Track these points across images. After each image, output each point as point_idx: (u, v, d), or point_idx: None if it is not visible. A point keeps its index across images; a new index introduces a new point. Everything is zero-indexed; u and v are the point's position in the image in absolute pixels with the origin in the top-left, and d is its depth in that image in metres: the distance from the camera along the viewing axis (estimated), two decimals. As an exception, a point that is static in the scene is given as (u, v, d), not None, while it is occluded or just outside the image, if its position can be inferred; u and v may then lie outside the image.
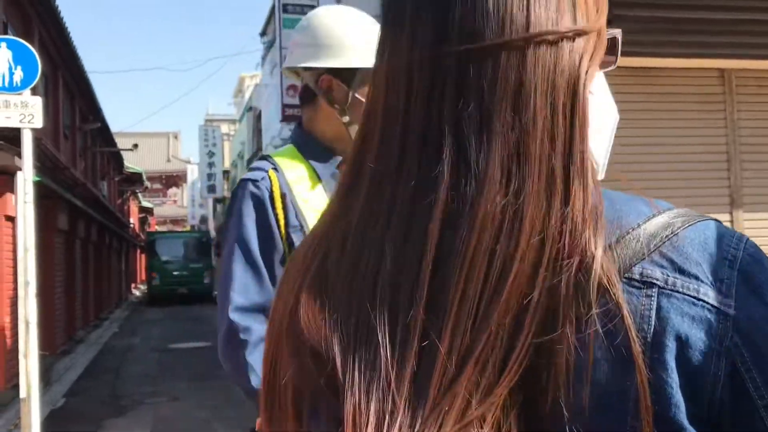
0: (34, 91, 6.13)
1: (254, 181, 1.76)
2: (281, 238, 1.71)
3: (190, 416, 8.22)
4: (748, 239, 0.59)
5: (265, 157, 1.85)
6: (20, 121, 5.85)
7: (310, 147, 1.86)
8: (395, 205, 0.60)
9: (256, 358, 1.63)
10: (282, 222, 1.72)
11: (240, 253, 1.71)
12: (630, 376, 0.53)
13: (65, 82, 16.26)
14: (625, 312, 0.54)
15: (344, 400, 0.57)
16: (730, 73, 6.47)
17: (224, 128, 38.94)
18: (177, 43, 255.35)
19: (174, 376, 10.95)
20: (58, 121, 15.16)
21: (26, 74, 6.00)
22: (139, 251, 42.95)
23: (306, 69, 1.85)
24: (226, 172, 36.62)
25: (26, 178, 5.86)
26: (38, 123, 5.91)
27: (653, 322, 0.55)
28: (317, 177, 1.80)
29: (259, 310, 1.68)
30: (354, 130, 1.80)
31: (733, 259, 0.57)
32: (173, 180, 60.63)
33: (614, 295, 0.54)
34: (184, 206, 57.76)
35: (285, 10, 13.86)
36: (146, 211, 48.20)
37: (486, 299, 0.55)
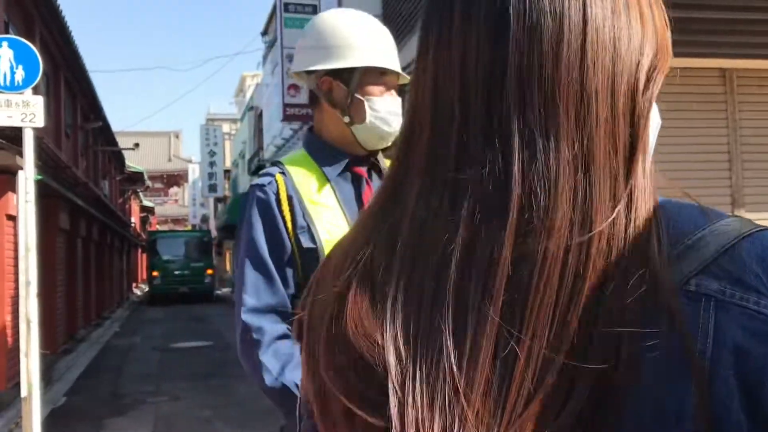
0: (35, 91, 6.13)
1: (261, 186, 1.80)
2: (289, 239, 1.75)
3: (192, 415, 8.22)
4: None
5: (276, 163, 1.89)
6: (22, 121, 5.85)
7: (319, 150, 1.88)
8: (457, 205, 0.57)
9: (268, 357, 1.67)
10: (289, 224, 1.75)
11: (250, 257, 1.75)
12: (688, 393, 0.52)
13: (67, 82, 16.27)
14: (686, 326, 0.53)
15: (403, 414, 0.53)
16: (732, 73, 6.47)
17: (225, 127, 38.95)
18: (178, 43, 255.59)
19: (175, 376, 10.95)
20: (60, 120, 15.17)
21: (28, 73, 6.00)
22: (140, 250, 43.02)
23: (308, 72, 1.87)
24: (227, 172, 36.64)
25: (27, 177, 5.86)
26: (39, 122, 5.91)
27: (711, 337, 0.53)
28: (325, 178, 1.83)
29: (271, 310, 1.72)
30: (357, 130, 1.81)
31: None
32: (174, 179, 60.66)
33: (675, 308, 0.53)
34: (185, 205, 57.85)
35: (286, 10, 13.85)
36: (147, 211, 48.26)
37: (562, 308, 0.53)
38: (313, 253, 1.72)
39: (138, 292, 39.56)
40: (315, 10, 13.70)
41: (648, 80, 0.60)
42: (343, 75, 1.82)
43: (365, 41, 1.82)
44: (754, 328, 0.53)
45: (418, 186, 0.61)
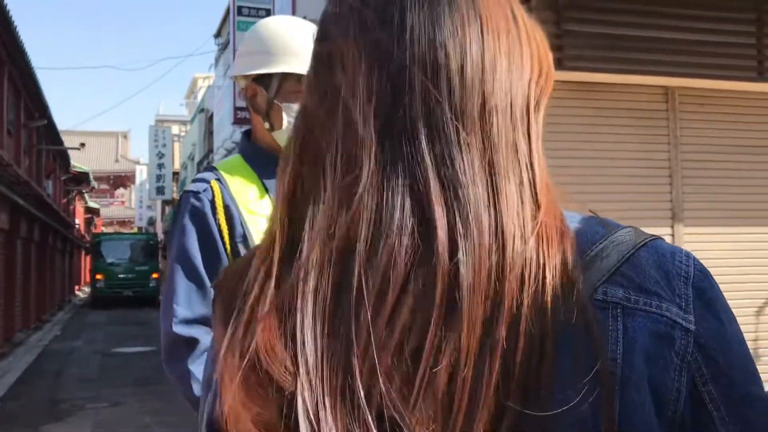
0: (-25, 87, 5.96)
1: (195, 193, 1.74)
2: (225, 249, 1.70)
3: (131, 421, 8.07)
4: (694, 255, 0.62)
5: (210, 168, 1.84)
6: (-40, 117, 5.68)
7: (255, 155, 1.85)
8: (365, 216, 0.58)
9: (198, 367, 1.62)
10: (225, 232, 1.70)
11: (182, 266, 1.69)
12: (599, 395, 0.54)
13: (11, 78, 15.84)
14: (596, 331, 0.55)
15: None
16: (674, 91, 6.65)
17: (175, 129, 38.35)
18: (130, 43, 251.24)
19: (117, 381, 10.73)
20: (2, 118, 14.76)
21: (-32, 69, 5.82)
22: (83, 252, 42.03)
23: (245, 78, 1.87)
24: (175, 174, 36.09)
25: (-35, 175, 5.68)
26: (-21, 119, 5.74)
27: (621, 342, 0.56)
28: (263, 186, 1.79)
29: (203, 321, 1.67)
30: (277, 136, 1.79)
31: (687, 276, 0.60)
32: (121, 180, 59.51)
33: (589, 316, 0.56)
34: (131, 207, 56.75)
35: (240, 13, 13.75)
36: (92, 212, 47.20)
37: (490, 318, 0.55)
38: None
39: (81, 294, 38.63)
40: (269, 13, 13.64)
41: (538, 100, 0.65)
42: (265, 81, 1.81)
43: (288, 48, 1.79)
44: (658, 330, 0.57)
45: (321, 197, 0.61)
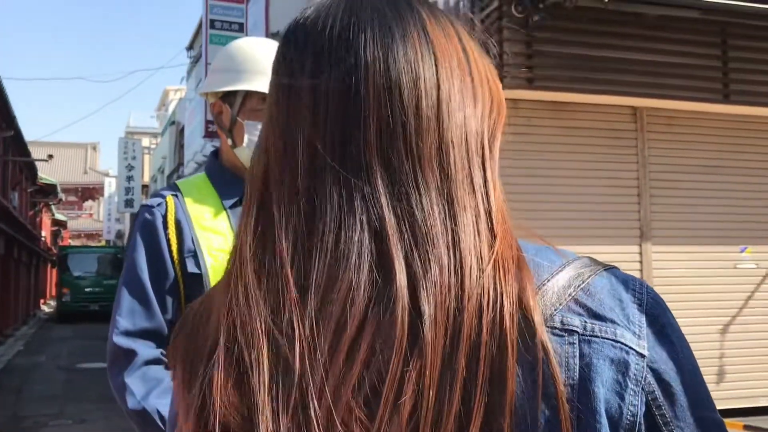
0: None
1: (149, 207, 1.76)
2: (173, 264, 1.70)
3: (96, 440, 7.91)
4: (647, 284, 0.64)
5: (172, 185, 1.85)
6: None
7: (218, 174, 1.86)
8: (322, 252, 0.59)
9: (134, 380, 1.63)
10: (174, 247, 1.70)
11: (128, 279, 1.71)
12: (559, 419, 0.56)
13: (-23, 88, 15.61)
14: (553, 359, 0.57)
15: None
16: (642, 111, 6.76)
17: (145, 141, 37.98)
18: (101, 54, 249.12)
19: (81, 398, 10.53)
20: (-33, 128, 14.52)
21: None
22: (50, 266, 41.38)
23: (212, 95, 1.90)
24: (145, 187, 35.71)
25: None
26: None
27: (577, 369, 0.58)
28: (221, 205, 1.80)
29: (145, 335, 1.67)
30: (238, 152, 1.82)
31: (640, 303, 0.62)
32: (90, 193, 58.76)
33: (543, 343, 0.57)
34: (99, 220, 56.06)
35: (212, 26, 13.71)
36: (59, 224, 46.51)
37: (451, 347, 0.56)
38: (198, 278, 1.69)
39: (46, 308, 37.97)
40: (241, 27, 13.61)
41: (493, 131, 0.66)
42: (231, 98, 1.84)
43: (253, 67, 1.82)
44: (613, 356, 0.59)
45: (278, 233, 0.61)
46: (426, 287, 0.56)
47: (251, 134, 1.80)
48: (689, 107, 6.73)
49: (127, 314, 1.68)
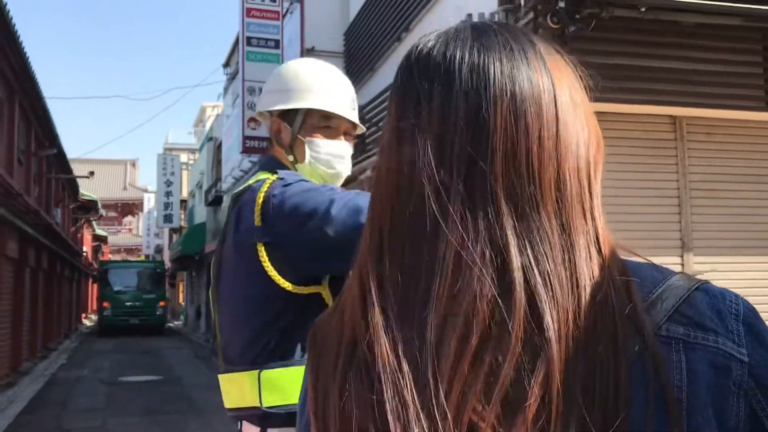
0: (-12, 117, 6.02)
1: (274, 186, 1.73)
2: None
3: (138, 452, 8.00)
4: (741, 296, 0.70)
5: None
6: (-28, 147, 5.73)
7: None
8: (446, 271, 0.64)
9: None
10: None
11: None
12: (670, 420, 0.61)
13: (22, 108, 16.00)
14: (662, 365, 0.63)
15: None
16: (681, 120, 6.67)
17: (183, 157, 38.52)
18: (139, 73, 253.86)
19: (123, 411, 10.67)
20: (13, 147, 14.88)
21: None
22: (91, 280, 42.08)
23: (271, 114, 1.95)
24: (183, 202, 36.20)
25: (-24, 205, 5.72)
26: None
27: (685, 373, 0.63)
28: None
29: None
30: (300, 169, 1.86)
31: (737, 314, 0.67)
32: (129, 208, 59.71)
33: (656, 350, 0.63)
34: (139, 235, 56.90)
35: (249, 43, 13.89)
36: (100, 240, 47.35)
37: (573, 358, 0.62)
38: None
39: (88, 323, 38.60)
40: (277, 44, 13.77)
41: (596, 160, 0.72)
42: (290, 116, 1.89)
43: (313, 85, 1.88)
44: (716, 362, 0.64)
45: (400, 257, 0.67)
46: (548, 303, 0.62)
47: (313, 151, 1.86)
48: (730, 115, 6.62)
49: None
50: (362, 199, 1.61)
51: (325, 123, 1.88)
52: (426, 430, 0.60)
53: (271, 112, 1.93)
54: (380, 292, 0.67)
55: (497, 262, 0.64)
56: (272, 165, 1.91)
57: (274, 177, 1.73)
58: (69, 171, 24.46)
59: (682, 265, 6.50)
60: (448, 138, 0.67)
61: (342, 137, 1.90)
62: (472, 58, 0.68)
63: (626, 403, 0.61)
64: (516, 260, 0.63)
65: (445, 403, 0.61)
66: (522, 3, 6.13)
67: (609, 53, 6.11)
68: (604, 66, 6.08)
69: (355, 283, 0.71)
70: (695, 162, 6.71)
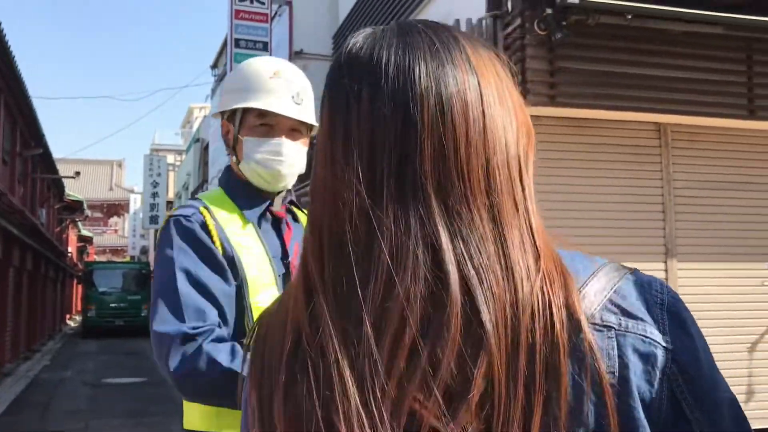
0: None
1: (185, 217, 1.74)
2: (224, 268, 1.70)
3: (121, 455, 7.95)
4: (667, 284, 0.74)
5: (195, 199, 1.86)
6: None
7: (237, 188, 1.89)
8: (381, 266, 0.66)
9: (212, 345, 1.58)
10: (220, 250, 1.72)
11: (183, 281, 1.65)
12: (603, 403, 0.65)
13: (7, 107, 15.89)
14: (597, 352, 0.66)
15: None
16: (666, 127, 6.72)
17: (170, 158, 38.36)
18: (127, 74, 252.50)
19: (107, 413, 10.60)
20: (-2, 146, 14.78)
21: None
22: (75, 281, 41.80)
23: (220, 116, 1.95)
24: (169, 203, 36.00)
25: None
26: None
27: (616, 359, 0.68)
28: (244, 216, 1.83)
29: (212, 329, 1.62)
30: (242, 169, 1.86)
31: (662, 302, 0.71)
32: (115, 209, 59.35)
33: (587, 337, 0.66)
34: (124, 236, 56.50)
35: (237, 45, 13.85)
36: (85, 240, 47.02)
37: (512, 348, 0.64)
38: (239, 289, 1.70)
39: (72, 324, 38.33)
40: (265, 47, 13.75)
41: (527, 154, 0.74)
42: (234, 117, 1.88)
43: (249, 84, 1.85)
44: (644, 350, 0.68)
45: (340, 252, 0.68)
46: (484, 295, 0.64)
47: (249, 150, 1.83)
48: (714, 123, 6.69)
49: (193, 316, 1.62)
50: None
51: (262, 121, 1.84)
52: (366, 422, 0.62)
53: (222, 115, 1.93)
54: (323, 289, 0.68)
55: (430, 258, 0.65)
56: (224, 178, 1.94)
57: (174, 210, 1.79)
58: (55, 171, 24.29)
59: (666, 271, 6.55)
60: (378, 138, 0.68)
61: (284, 135, 1.85)
62: (397, 59, 0.69)
63: (565, 390, 0.64)
64: (449, 255, 0.65)
65: (381, 396, 0.63)
66: (509, 9, 6.16)
67: (595, 60, 6.15)
68: (590, 73, 6.13)
69: (299, 281, 0.72)
70: (679, 169, 6.76)
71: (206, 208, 1.78)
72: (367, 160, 0.68)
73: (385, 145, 0.68)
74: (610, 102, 6.21)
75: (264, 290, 1.74)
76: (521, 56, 6.03)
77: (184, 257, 1.68)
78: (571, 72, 6.11)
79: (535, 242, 0.69)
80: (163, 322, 1.63)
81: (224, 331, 1.64)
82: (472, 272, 0.65)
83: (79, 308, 35.76)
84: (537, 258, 0.68)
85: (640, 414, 0.66)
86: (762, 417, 6.28)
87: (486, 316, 0.64)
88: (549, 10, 5.66)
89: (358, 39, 0.74)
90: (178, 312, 1.62)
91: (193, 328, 1.60)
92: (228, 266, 1.71)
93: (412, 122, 0.67)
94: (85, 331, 27.88)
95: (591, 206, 6.42)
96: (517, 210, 0.69)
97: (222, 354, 1.57)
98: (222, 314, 1.66)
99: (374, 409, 0.62)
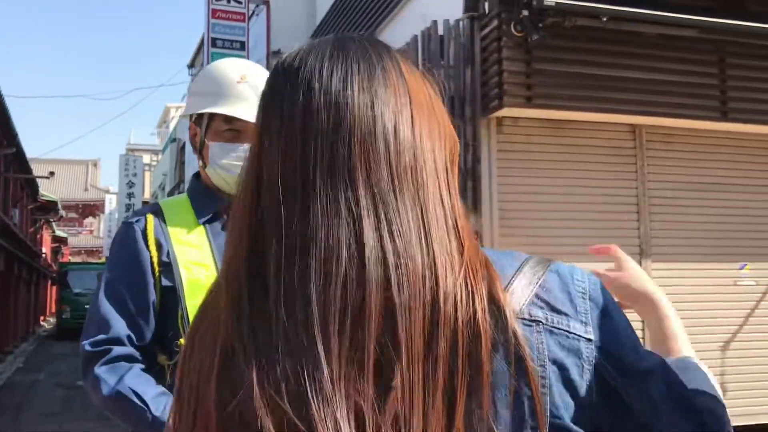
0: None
1: (130, 224, 1.81)
2: (154, 276, 1.75)
3: (95, 457, 7.88)
4: (586, 272, 0.78)
5: (154, 204, 1.90)
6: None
7: (198, 194, 1.91)
8: (316, 251, 0.67)
9: (105, 370, 1.65)
10: (155, 260, 1.75)
11: (107, 290, 1.73)
12: (530, 391, 0.69)
13: (-21, 105, 15.67)
14: (522, 339, 0.69)
15: None
16: (641, 129, 6.79)
17: (146, 158, 38.04)
18: (102, 73, 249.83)
19: (80, 415, 10.49)
20: (-30, 145, 14.57)
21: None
22: (50, 282, 41.31)
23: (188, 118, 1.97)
24: (145, 203, 35.71)
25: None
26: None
27: (546, 352, 0.71)
28: (196, 220, 1.84)
29: (119, 342, 1.69)
30: (208, 173, 1.87)
31: (584, 292, 0.76)
32: (90, 209, 58.73)
33: (514, 330, 0.69)
34: (100, 237, 55.93)
35: (214, 45, 13.78)
36: (60, 241, 46.49)
37: (430, 337, 0.66)
38: (173, 292, 1.73)
39: (46, 325, 37.88)
40: (242, 46, 13.69)
41: (452, 159, 0.78)
42: (201, 121, 1.89)
43: (217, 88, 1.85)
44: (568, 345, 0.72)
45: (273, 248, 0.70)
46: (399, 278, 0.66)
47: (214, 155, 1.84)
48: (688, 125, 6.77)
49: (103, 326, 1.69)
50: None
51: (229, 126, 1.83)
52: (320, 407, 0.63)
53: (190, 117, 1.93)
54: (252, 283, 0.70)
55: (356, 245, 0.67)
56: (191, 181, 1.97)
57: (129, 216, 1.85)
58: (28, 171, 24.00)
59: (641, 271, 6.60)
60: (311, 134, 0.71)
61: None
62: (332, 63, 0.74)
63: (487, 377, 0.67)
64: (371, 239, 0.67)
65: (332, 382, 0.64)
66: (486, 11, 6.19)
67: (571, 62, 6.20)
68: (566, 74, 6.18)
69: (231, 278, 0.73)
70: (654, 170, 6.84)
71: (156, 212, 1.82)
72: (301, 158, 0.70)
73: (317, 140, 0.71)
74: (586, 103, 6.27)
75: (204, 291, 1.75)
76: (498, 58, 6.07)
77: (113, 267, 1.78)
78: (547, 74, 6.15)
79: (459, 236, 0.72)
80: (84, 333, 1.73)
81: (127, 349, 1.70)
82: (392, 256, 0.67)
83: (54, 310, 35.40)
84: (461, 251, 0.71)
85: (561, 403, 0.70)
86: (736, 414, 6.36)
87: (397, 297, 0.66)
88: (525, 12, 5.70)
89: (296, 50, 0.78)
90: (91, 324, 1.72)
91: (93, 345, 1.69)
92: (163, 271, 1.75)
93: (344, 119, 0.71)
94: (59, 332, 27.56)
95: (566, 207, 6.47)
96: (443, 205, 0.72)
97: (104, 383, 1.65)
98: (135, 324, 1.71)
99: (327, 395, 0.63)
